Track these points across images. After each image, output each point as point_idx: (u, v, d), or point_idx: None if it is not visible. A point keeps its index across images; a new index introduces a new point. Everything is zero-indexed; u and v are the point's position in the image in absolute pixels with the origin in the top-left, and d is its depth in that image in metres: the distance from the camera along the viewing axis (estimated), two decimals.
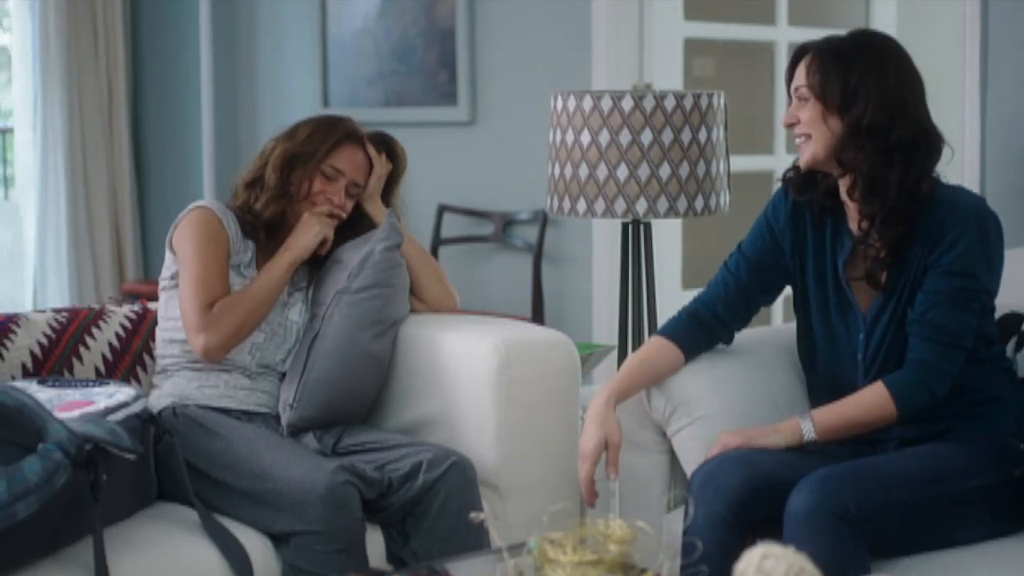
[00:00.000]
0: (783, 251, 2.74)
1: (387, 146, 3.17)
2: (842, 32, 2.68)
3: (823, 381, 2.72)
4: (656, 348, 2.77)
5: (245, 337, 2.96)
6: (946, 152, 2.65)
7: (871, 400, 2.56)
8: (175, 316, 2.99)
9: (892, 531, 2.43)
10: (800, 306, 2.75)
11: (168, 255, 3.04)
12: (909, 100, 2.57)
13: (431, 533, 2.75)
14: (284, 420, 2.93)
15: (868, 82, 2.55)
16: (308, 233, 3.02)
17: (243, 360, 2.98)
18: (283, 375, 3.02)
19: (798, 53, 2.65)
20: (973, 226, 2.53)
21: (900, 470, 2.48)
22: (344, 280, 2.99)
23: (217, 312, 2.91)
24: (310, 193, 3.05)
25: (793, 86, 2.65)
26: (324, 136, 3.08)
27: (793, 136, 2.66)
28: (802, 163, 2.65)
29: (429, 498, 2.76)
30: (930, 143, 2.58)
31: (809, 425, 2.58)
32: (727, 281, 2.77)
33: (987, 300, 2.58)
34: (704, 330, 2.77)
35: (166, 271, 3.04)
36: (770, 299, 2.80)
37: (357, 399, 2.99)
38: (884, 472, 2.47)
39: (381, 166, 3.13)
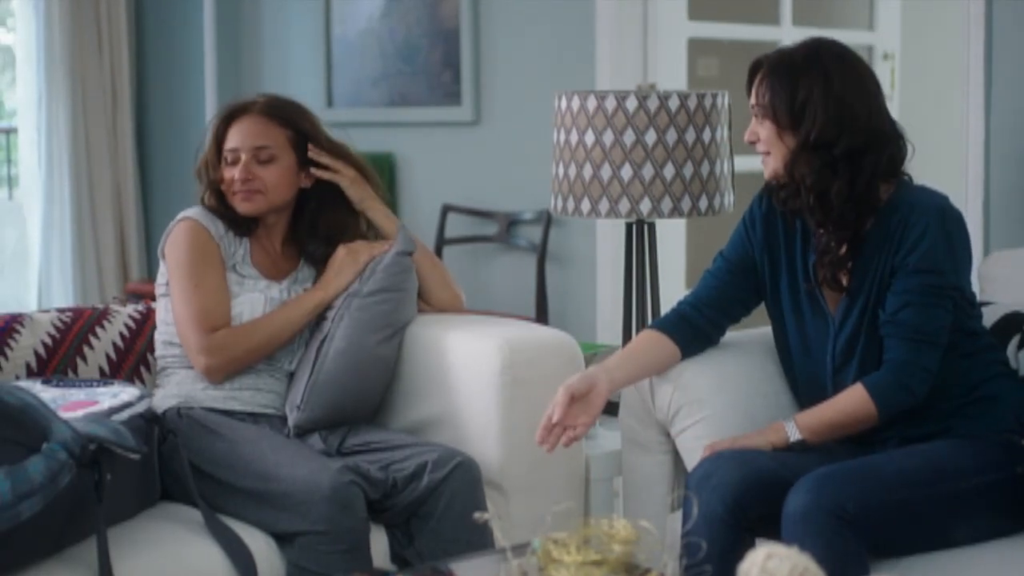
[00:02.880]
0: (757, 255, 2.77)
1: (281, 112, 3.09)
2: (834, 35, 2.69)
3: (800, 383, 2.74)
4: (649, 340, 2.77)
5: (251, 364, 2.96)
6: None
7: (851, 402, 2.58)
8: (172, 321, 2.99)
9: (892, 531, 2.43)
10: (774, 310, 2.77)
11: (162, 262, 3.03)
12: (857, 108, 2.58)
13: (435, 533, 2.75)
14: (291, 421, 2.93)
15: (814, 97, 2.57)
16: (342, 275, 3.01)
17: None
18: (290, 374, 3.02)
19: (753, 68, 2.68)
20: (936, 224, 2.55)
21: (899, 469, 2.48)
22: (355, 283, 2.99)
23: (223, 338, 2.91)
24: (222, 184, 3.04)
25: (750, 103, 2.67)
26: (211, 132, 3.08)
27: (757, 152, 2.70)
28: (766, 176, 2.69)
29: (434, 499, 2.75)
30: (882, 146, 2.59)
31: (793, 427, 2.60)
32: (711, 284, 2.79)
33: (957, 296, 2.59)
34: (694, 329, 2.77)
35: (161, 278, 3.03)
36: (753, 301, 2.81)
37: (364, 401, 2.99)
38: (883, 471, 2.47)
39: (344, 170, 3.07)
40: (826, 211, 2.59)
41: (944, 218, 2.56)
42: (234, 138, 3.04)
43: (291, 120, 3.08)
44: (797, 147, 2.59)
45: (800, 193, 2.62)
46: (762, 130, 2.64)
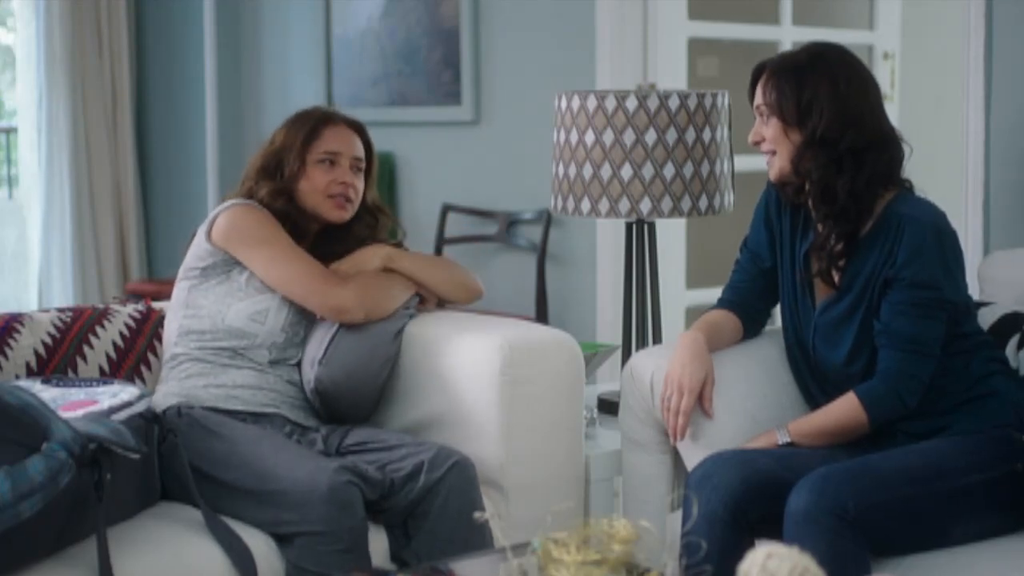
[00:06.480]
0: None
1: (364, 133, 3.16)
2: (834, 35, 2.73)
3: (795, 370, 2.81)
4: (719, 313, 2.86)
5: (378, 311, 2.98)
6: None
7: (843, 410, 2.63)
8: (199, 305, 2.98)
9: (893, 529, 2.44)
10: (780, 293, 2.84)
11: (206, 246, 2.99)
12: (863, 107, 2.66)
13: (432, 533, 2.75)
14: (312, 375, 2.94)
15: (821, 95, 2.64)
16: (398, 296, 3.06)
17: (259, 355, 2.97)
18: (289, 381, 3.01)
19: (756, 71, 2.74)
20: (931, 241, 2.60)
21: (900, 467, 2.50)
22: None
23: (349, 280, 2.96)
24: (314, 186, 3.04)
25: (754, 104, 2.74)
26: (299, 128, 3.08)
27: (761, 152, 2.74)
28: (771, 177, 2.75)
29: (430, 498, 2.75)
30: (883, 145, 2.66)
31: (784, 433, 2.66)
32: (738, 273, 2.87)
33: (951, 308, 2.63)
34: (745, 314, 2.86)
35: (200, 261, 3.00)
36: (776, 289, 2.86)
37: (373, 374, 2.98)
38: (883, 470, 2.49)
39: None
40: (830, 205, 2.64)
41: (939, 235, 2.61)
42: (337, 142, 3.07)
43: (368, 143, 3.15)
44: (803, 143, 2.65)
45: (805, 188, 2.69)
46: (767, 129, 2.70)
